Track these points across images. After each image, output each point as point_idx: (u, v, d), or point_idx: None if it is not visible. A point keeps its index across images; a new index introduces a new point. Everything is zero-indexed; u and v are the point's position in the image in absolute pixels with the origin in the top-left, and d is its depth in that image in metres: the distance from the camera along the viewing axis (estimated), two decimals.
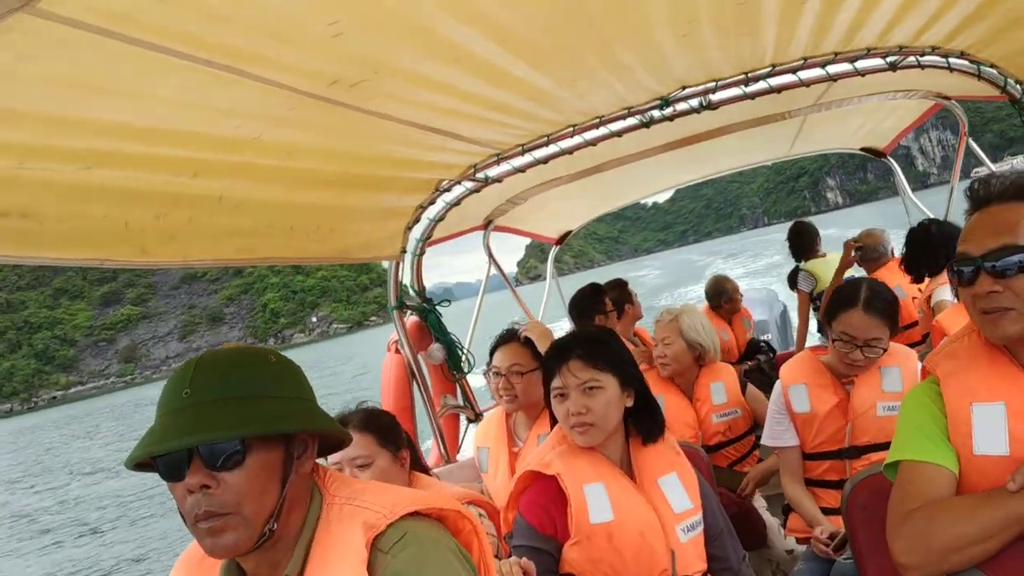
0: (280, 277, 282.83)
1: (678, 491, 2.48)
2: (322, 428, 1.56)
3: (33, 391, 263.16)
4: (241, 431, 1.41)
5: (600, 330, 2.67)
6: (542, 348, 3.32)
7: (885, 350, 3.10)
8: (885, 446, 2.42)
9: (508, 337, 3.50)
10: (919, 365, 3.16)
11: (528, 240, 7.14)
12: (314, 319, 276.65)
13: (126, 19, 1.38)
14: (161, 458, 1.41)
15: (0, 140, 1.67)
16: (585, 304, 4.97)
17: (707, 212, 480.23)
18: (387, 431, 2.73)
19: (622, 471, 2.47)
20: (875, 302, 3.07)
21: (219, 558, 1.52)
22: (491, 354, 3.62)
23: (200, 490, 1.39)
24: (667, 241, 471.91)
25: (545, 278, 7.20)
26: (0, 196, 1.86)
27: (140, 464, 1.45)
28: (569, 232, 7.26)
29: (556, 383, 2.48)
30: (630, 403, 2.48)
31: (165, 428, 1.40)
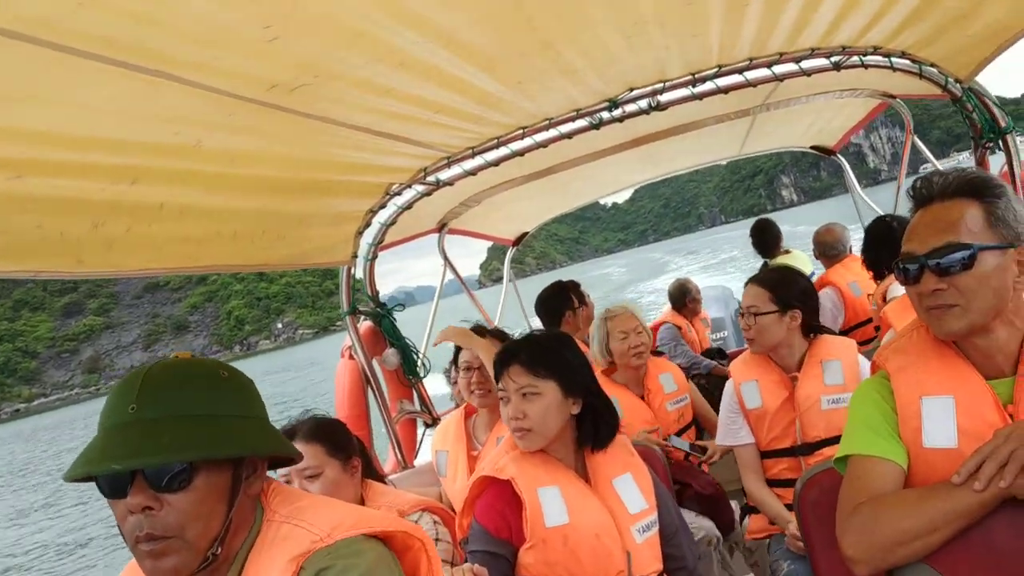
0: (244, 284, 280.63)
1: (633, 492, 2.46)
2: (273, 451, 1.49)
3: None
4: (189, 454, 1.34)
5: (550, 336, 2.63)
6: (464, 346, 3.42)
7: (758, 315, 3.19)
8: (837, 440, 2.40)
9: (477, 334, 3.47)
10: (860, 358, 3.20)
11: (490, 242, 7.11)
12: (280, 325, 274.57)
13: (47, 24, 1.31)
14: (103, 476, 1.34)
15: None
16: (552, 303, 4.95)
17: (666, 212, 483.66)
18: (336, 440, 2.67)
19: (576, 474, 2.44)
20: (761, 274, 3.31)
21: None
22: (456, 353, 3.58)
23: (142, 511, 1.33)
24: (627, 241, 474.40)
25: (510, 279, 7.18)
26: None
27: (82, 479, 1.38)
28: (526, 233, 7.24)
29: (500, 386, 2.47)
30: (576, 410, 2.44)
31: (108, 445, 1.33)
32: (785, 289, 3.20)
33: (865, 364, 3.13)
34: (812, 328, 3.26)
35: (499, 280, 7.31)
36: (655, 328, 6.46)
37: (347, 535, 1.43)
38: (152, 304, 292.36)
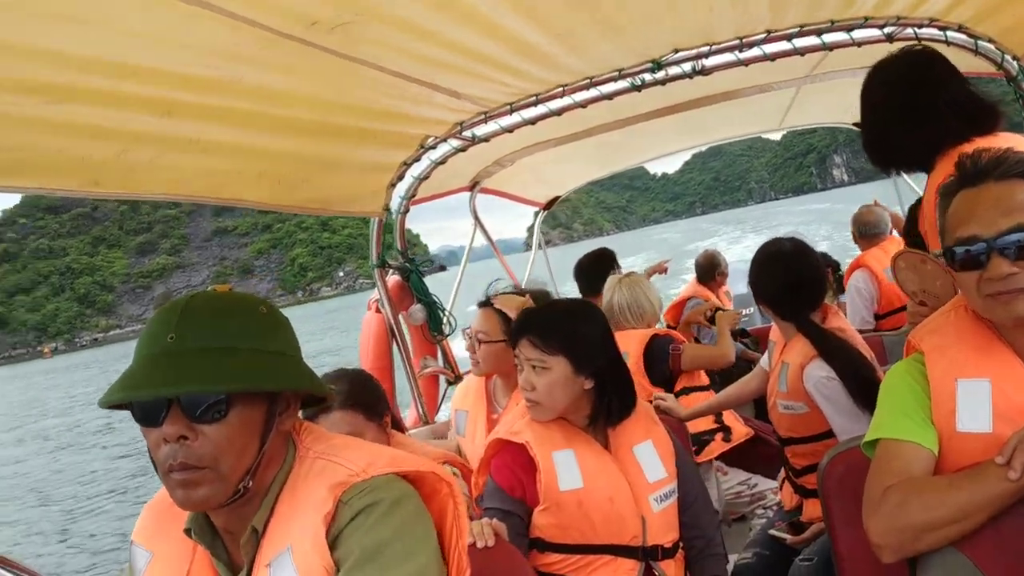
0: (308, 234, 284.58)
1: (652, 460, 2.37)
2: (308, 388, 1.45)
3: (75, 333, 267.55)
4: (225, 385, 1.30)
5: (568, 309, 2.49)
6: None
7: None
8: None
9: (483, 303, 3.28)
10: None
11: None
12: (341, 274, 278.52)
13: None
14: (138, 402, 1.31)
15: None
16: (593, 269, 4.76)
17: (716, 184, 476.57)
18: (372, 403, 2.59)
19: (594, 439, 2.35)
20: None
21: (189, 511, 1.41)
22: None
23: (177, 440, 1.29)
24: (675, 212, 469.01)
25: (557, 244, 6.96)
26: None
27: (117, 406, 1.34)
28: (557, 198, 6.94)
29: (515, 354, 2.39)
30: (588, 386, 2.32)
31: (145, 373, 1.29)
32: None
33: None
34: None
35: (547, 244, 7.10)
36: (681, 302, 6.19)
37: (381, 472, 1.40)
38: (220, 247, 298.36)
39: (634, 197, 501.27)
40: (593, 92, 3.30)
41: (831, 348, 2.65)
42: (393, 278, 4.29)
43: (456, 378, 4.61)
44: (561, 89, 3.21)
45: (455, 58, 2.48)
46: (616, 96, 3.37)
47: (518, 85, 3.08)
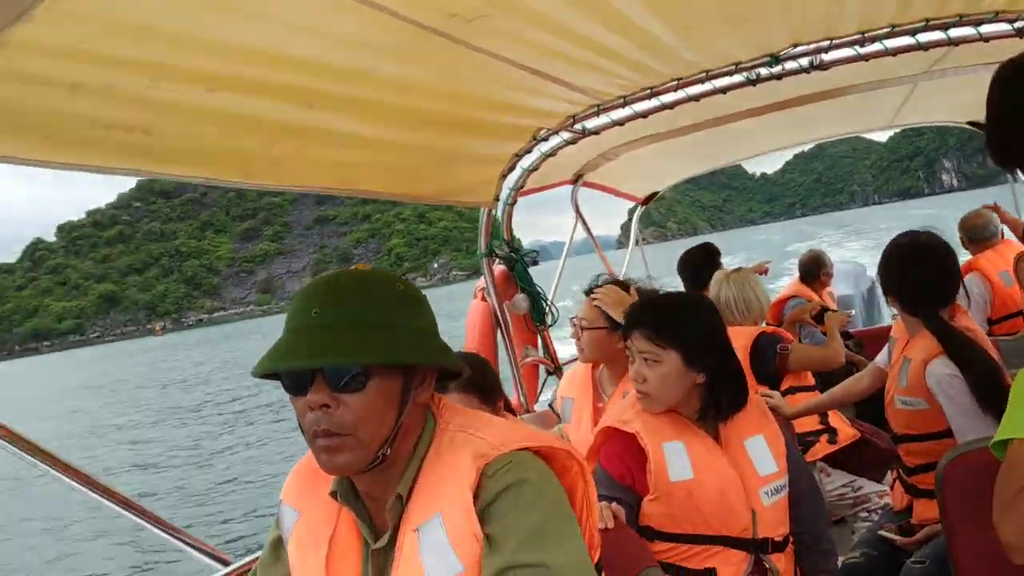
0: (405, 224, 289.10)
1: (764, 454, 2.35)
2: (442, 362, 1.51)
3: (183, 313, 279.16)
4: (365, 358, 1.37)
5: (680, 302, 2.50)
6: (617, 316, 3.12)
7: None
8: None
9: (587, 291, 3.31)
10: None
11: (632, 203, 6.84)
12: (435, 265, 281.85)
13: None
14: (286, 373, 1.41)
15: (136, 58, 1.69)
16: (698, 263, 4.68)
17: (816, 186, 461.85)
18: (487, 386, 2.63)
19: (704, 432, 2.35)
20: None
21: (333, 475, 1.50)
22: None
23: (320, 408, 1.38)
24: (773, 213, 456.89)
25: (650, 243, 6.90)
26: (130, 114, 1.89)
27: (268, 376, 1.45)
28: (656, 193, 6.87)
29: (627, 345, 2.39)
30: (701, 380, 2.32)
31: (292, 345, 1.38)
32: None
33: None
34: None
35: (637, 243, 7.02)
36: (782, 301, 6.04)
37: (518, 447, 1.45)
38: (321, 236, 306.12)
39: (731, 197, 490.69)
40: (707, 86, 3.27)
41: (958, 346, 2.56)
42: (499, 268, 4.36)
43: (556, 369, 4.67)
44: (676, 82, 3.19)
45: (577, 50, 2.50)
46: (729, 90, 3.34)
47: (633, 78, 3.08)
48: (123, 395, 43.34)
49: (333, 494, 1.53)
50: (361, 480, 1.50)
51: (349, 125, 2.42)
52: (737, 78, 3.23)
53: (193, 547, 2.42)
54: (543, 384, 4.67)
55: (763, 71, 3.18)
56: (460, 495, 1.39)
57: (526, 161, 3.79)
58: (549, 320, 4.56)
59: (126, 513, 2.32)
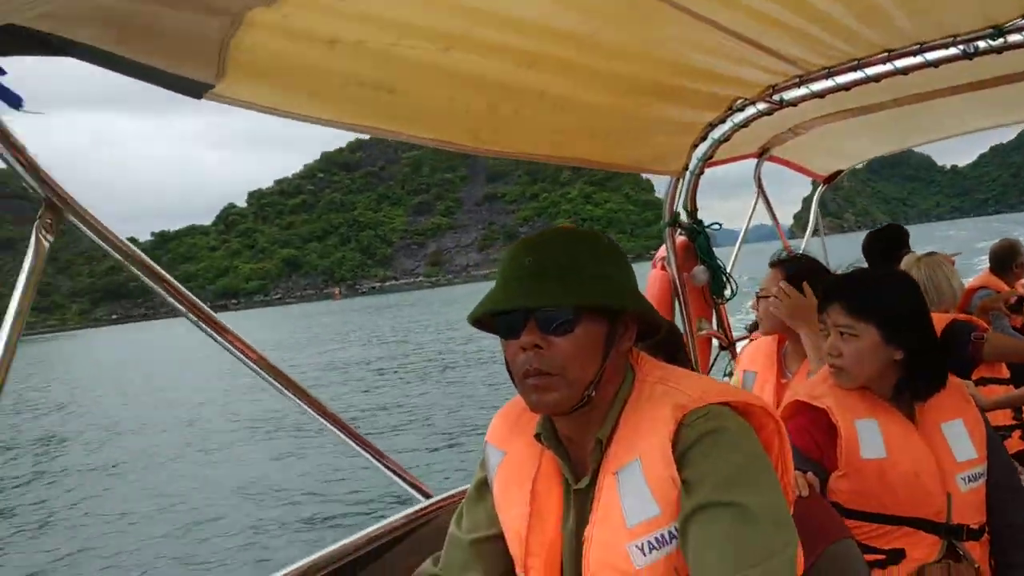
0: (572, 205, 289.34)
1: (962, 439, 2.26)
2: (645, 311, 1.58)
3: (357, 280, 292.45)
4: (574, 301, 1.47)
5: (880, 276, 2.44)
6: (792, 323, 3.04)
7: None
8: None
9: (773, 263, 3.28)
10: None
11: (806, 192, 6.52)
12: None
13: None
14: (501, 317, 1.52)
15: (385, 15, 1.79)
16: (885, 244, 4.55)
17: (1015, 182, 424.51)
18: (674, 354, 2.60)
19: (899, 412, 2.28)
20: None
21: (540, 413, 1.60)
22: None
23: (532, 349, 1.47)
24: (962, 209, 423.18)
25: (826, 234, 6.62)
26: (374, 71, 1.98)
27: (479, 323, 1.59)
28: (839, 172, 6.49)
29: (822, 319, 2.36)
30: (898, 357, 2.25)
31: (507, 291, 1.50)
32: None
33: None
34: None
35: (813, 233, 6.72)
36: (970, 291, 5.68)
37: (716, 400, 1.49)
38: (490, 213, 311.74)
39: (916, 190, 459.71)
40: (919, 59, 3.08)
41: None
42: (680, 239, 4.36)
43: (729, 344, 4.63)
44: (886, 54, 3.04)
45: (788, 15, 2.43)
46: (941, 64, 3.13)
47: (842, 48, 2.97)
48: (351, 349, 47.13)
49: (537, 436, 1.63)
50: (563, 423, 1.59)
51: (563, 89, 2.47)
52: (952, 51, 3.02)
53: (400, 477, 2.57)
54: (715, 358, 4.65)
55: (981, 44, 2.95)
56: (659, 442, 1.45)
57: (718, 131, 3.74)
58: (728, 293, 4.53)
59: (347, 439, 2.50)
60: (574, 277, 1.48)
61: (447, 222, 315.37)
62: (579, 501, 1.57)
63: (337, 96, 2.04)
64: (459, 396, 24.16)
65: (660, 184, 4.20)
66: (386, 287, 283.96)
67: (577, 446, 1.60)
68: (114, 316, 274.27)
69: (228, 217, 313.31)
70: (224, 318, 2.23)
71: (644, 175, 4.13)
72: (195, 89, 1.70)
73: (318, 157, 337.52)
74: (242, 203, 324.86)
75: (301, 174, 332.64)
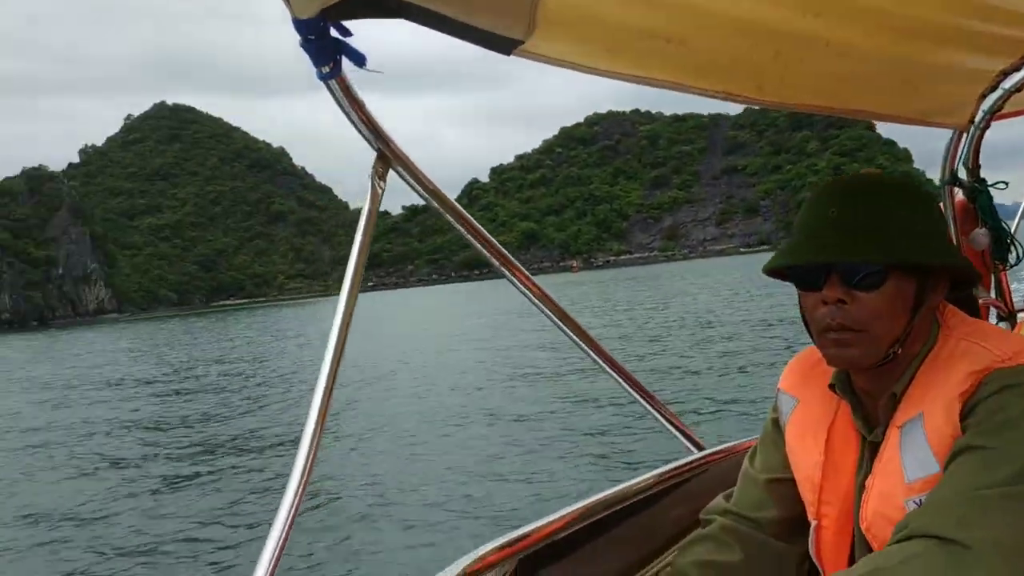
0: (818, 177, 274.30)
1: None
2: (956, 266, 1.52)
3: (592, 253, 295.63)
4: (883, 258, 1.41)
5: None
6: None
7: None
8: None
9: None
10: None
11: None
12: None
13: None
14: (797, 269, 1.50)
15: None
16: None
17: None
18: (974, 310, 2.52)
19: None
20: None
21: (838, 368, 1.56)
22: None
23: (836, 303, 1.43)
24: None
25: None
26: (649, 18, 1.95)
27: (774, 273, 1.56)
28: None
29: None
30: None
31: (807, 243, 1.46)
32: None
33: None
34: None
35: None
36: None
37: None
38: (728, 186, 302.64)
39: None
40: None
41: None
42: (958, 199, 4.05)
43: (1009, 314, 4.25)
44: None
45: None
46: None
47: None
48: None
49: (831, 386, 1.61)
50: (860, 377, 1.55)
51: (850, 35, 2.38)
52: None
53: (676, 428, 2.58)
54: None
55: None
56: (946, 398, 1.40)
57: (1010, 81, 3.40)
58: (1012, 259, 4.12)
59: (629, 389, 2.54)
60: (883, 231, 1.41)
61: (683, 196, 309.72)
62: (871, 454, 1.54)
63: (631, 49, 2.05)
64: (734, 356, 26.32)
65: (920, 152, 3.88)
66: (620, 260, 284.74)
67: (870, 398, 1.56)
68: (370, 283, 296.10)
69: (472, 191, 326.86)
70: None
71: (901, 145, 3.80)
72: (505, 46, 1.76)
73: (556, 133, 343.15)
74: (484, 178, 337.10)
75: (540, 149, 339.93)
